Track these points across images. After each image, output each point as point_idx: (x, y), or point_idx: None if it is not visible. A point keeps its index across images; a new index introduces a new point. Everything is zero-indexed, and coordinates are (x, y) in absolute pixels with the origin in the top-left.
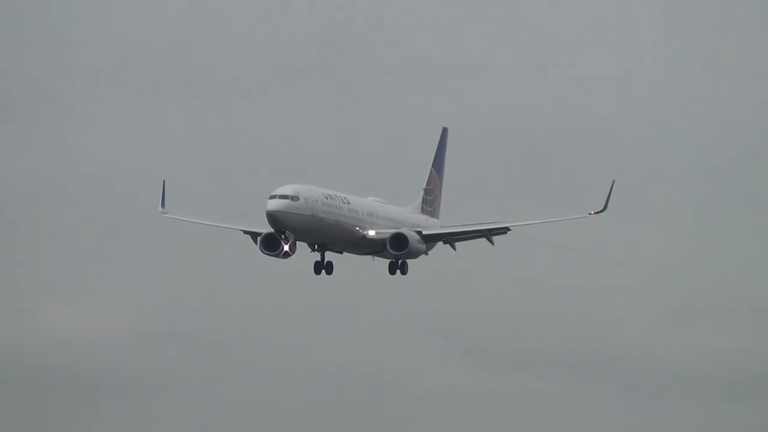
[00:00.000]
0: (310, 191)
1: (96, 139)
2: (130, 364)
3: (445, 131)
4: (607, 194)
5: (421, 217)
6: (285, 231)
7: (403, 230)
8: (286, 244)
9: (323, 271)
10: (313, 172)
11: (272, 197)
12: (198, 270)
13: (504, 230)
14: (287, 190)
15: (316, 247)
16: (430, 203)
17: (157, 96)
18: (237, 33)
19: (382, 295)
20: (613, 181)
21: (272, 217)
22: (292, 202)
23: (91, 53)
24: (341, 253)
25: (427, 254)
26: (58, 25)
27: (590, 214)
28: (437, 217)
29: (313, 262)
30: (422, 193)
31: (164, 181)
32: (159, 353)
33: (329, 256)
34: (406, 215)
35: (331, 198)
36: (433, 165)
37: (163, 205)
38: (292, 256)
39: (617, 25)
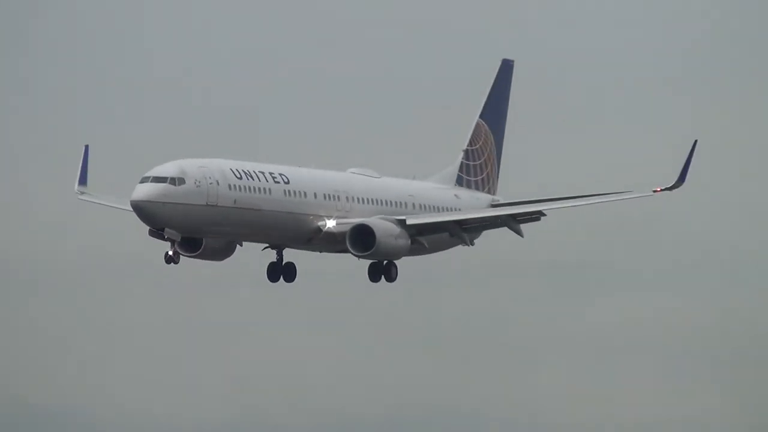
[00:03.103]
0: (206, 168)
1: None
2: None
3: (507, 66)
4: (685, 162)
5: (445, 194)
6: (164, 229)
7: (370, 220)
8: (170, 247)
9: (281, 277)
10: (308, 132)
11: (143, 180)
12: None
13: (536, 215)
14: (167, 169)
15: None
16: (476, 171)
17: None
18: None
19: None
20: (695, 141)
21: (139, 210)
22: (172, 186)
23: None
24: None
25: (472, 245)
26: None
27: (655, 191)
28: (493, 192)
29: (268, 263)
30: (461, 155)
31: (87, 146)
32: None
33: (290, 255)
34: (410, 193)
35: (251, 176)
36: (482, 115)
37: (82, 182)
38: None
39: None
